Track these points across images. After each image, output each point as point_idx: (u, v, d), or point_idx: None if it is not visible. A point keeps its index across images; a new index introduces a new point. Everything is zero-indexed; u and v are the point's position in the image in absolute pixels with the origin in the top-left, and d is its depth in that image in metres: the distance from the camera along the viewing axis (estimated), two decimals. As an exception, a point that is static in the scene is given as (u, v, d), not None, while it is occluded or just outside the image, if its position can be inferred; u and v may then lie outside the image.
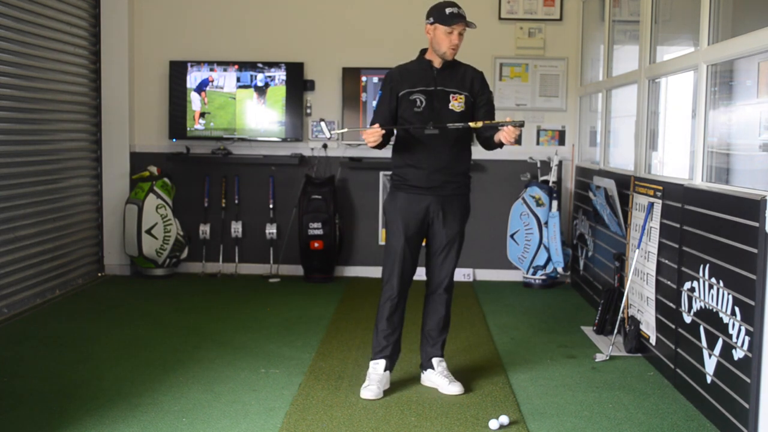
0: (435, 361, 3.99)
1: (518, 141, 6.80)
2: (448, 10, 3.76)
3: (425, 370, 4.02)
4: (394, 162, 3.95)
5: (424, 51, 3.94)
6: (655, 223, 4.34)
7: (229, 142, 6.76)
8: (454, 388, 3.87)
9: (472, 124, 3.78)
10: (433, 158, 3.84)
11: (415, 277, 3.98)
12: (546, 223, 6.32)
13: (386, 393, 3.86)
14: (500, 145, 3.76)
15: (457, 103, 3.83)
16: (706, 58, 3.93)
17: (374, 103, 4.12)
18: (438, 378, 3.94)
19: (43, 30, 5.72)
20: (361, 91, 6.70)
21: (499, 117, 3.92)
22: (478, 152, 6.79)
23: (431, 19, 3.81)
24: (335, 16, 6.81)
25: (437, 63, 3.87)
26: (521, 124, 3.62)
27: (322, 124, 3.93)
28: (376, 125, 3.74)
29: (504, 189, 6.76)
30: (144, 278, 6.60)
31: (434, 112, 3.81)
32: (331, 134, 3.92)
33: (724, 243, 3.40)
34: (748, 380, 3.12)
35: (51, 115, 5.95)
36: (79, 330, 4.99)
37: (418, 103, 3.83)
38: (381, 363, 3.92)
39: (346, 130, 3.93)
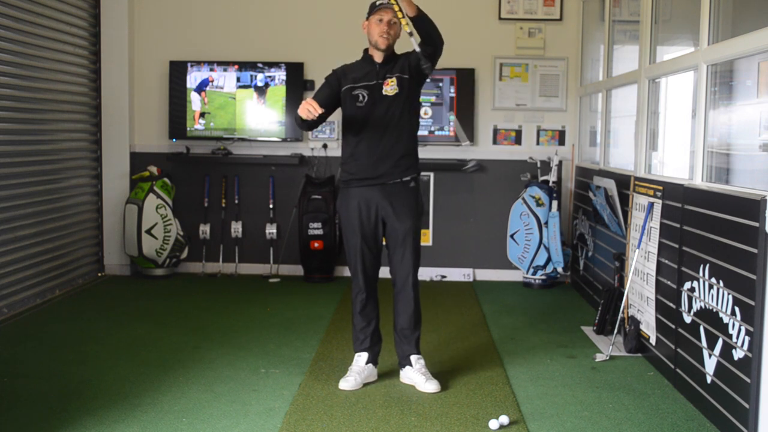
0: (413, 358, 4.00)
1: (518, 141, 6.81)
2: (377, 2, 3.91)
3: (403, 367, 4.03)
4: (342, 157, 4.02)
5: (367, 49, 4.02)
6: (655, 223, 4.34)
7: (229, 142, 6.76)
8: (430, 386, 3.87)
9: (414, 42, 3.78)
10: (374, 146, 3.89)
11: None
12: (546, 223, 6.32)
13: (386, 393, 3.86)
14: (418, 21, 3.79)
15: (389, 87, 3.90)
16: (706, 58, 3.92)
17: None
18: (416, 375, 3.94)
19: (43, 30, 5.72)
20: (361, 91, 6.69)
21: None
22: (478, 152, 6.86)
23: (366, 18, 3.95)
24: (335, 16, 6.81)
25: (378, 58, 3.94)
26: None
27: None
28: (315, 104, 3.67)
29: (504, 189, 6.76)
30: (144, 278, 6.60)
31: (375, 104, 3.88)
32: None
33: (724, 243, 3.40)
34: (748, 380, 3.12)
35: (51, 115, 5.95)
36: (79, 330, 4.99)
37: (360, 98, 3.90)
38: (363, 356, 3.99)
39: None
